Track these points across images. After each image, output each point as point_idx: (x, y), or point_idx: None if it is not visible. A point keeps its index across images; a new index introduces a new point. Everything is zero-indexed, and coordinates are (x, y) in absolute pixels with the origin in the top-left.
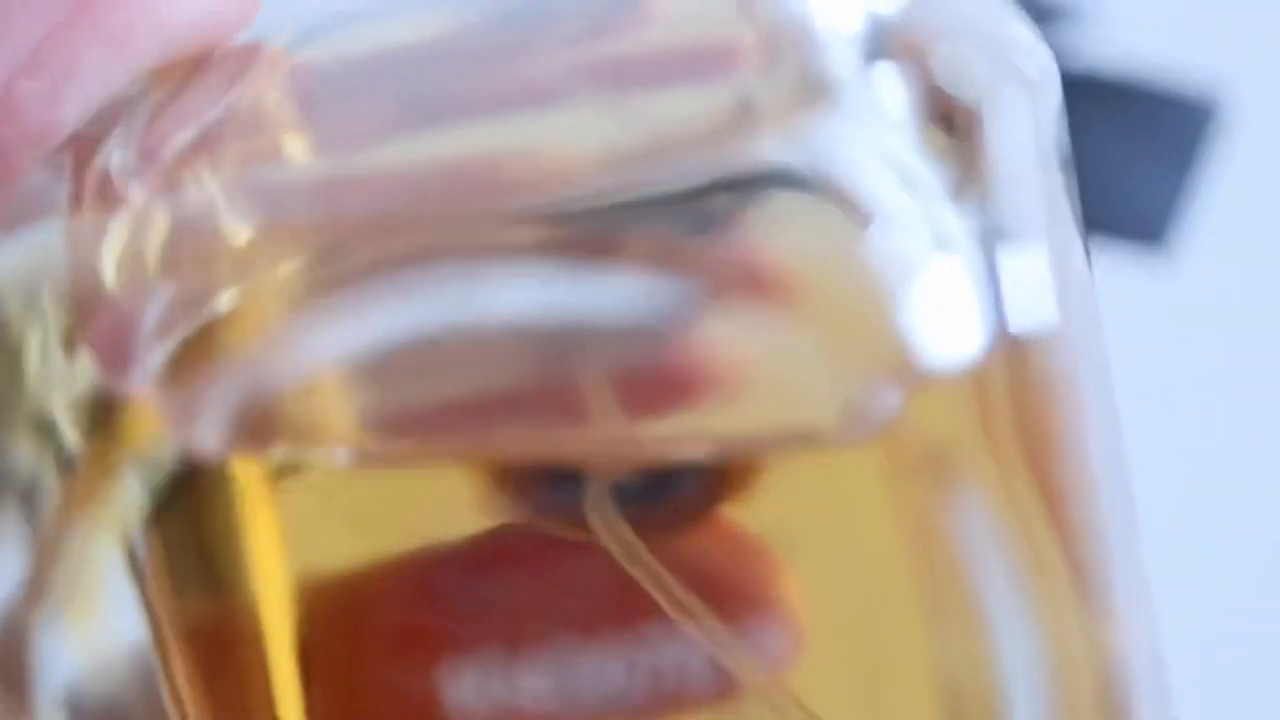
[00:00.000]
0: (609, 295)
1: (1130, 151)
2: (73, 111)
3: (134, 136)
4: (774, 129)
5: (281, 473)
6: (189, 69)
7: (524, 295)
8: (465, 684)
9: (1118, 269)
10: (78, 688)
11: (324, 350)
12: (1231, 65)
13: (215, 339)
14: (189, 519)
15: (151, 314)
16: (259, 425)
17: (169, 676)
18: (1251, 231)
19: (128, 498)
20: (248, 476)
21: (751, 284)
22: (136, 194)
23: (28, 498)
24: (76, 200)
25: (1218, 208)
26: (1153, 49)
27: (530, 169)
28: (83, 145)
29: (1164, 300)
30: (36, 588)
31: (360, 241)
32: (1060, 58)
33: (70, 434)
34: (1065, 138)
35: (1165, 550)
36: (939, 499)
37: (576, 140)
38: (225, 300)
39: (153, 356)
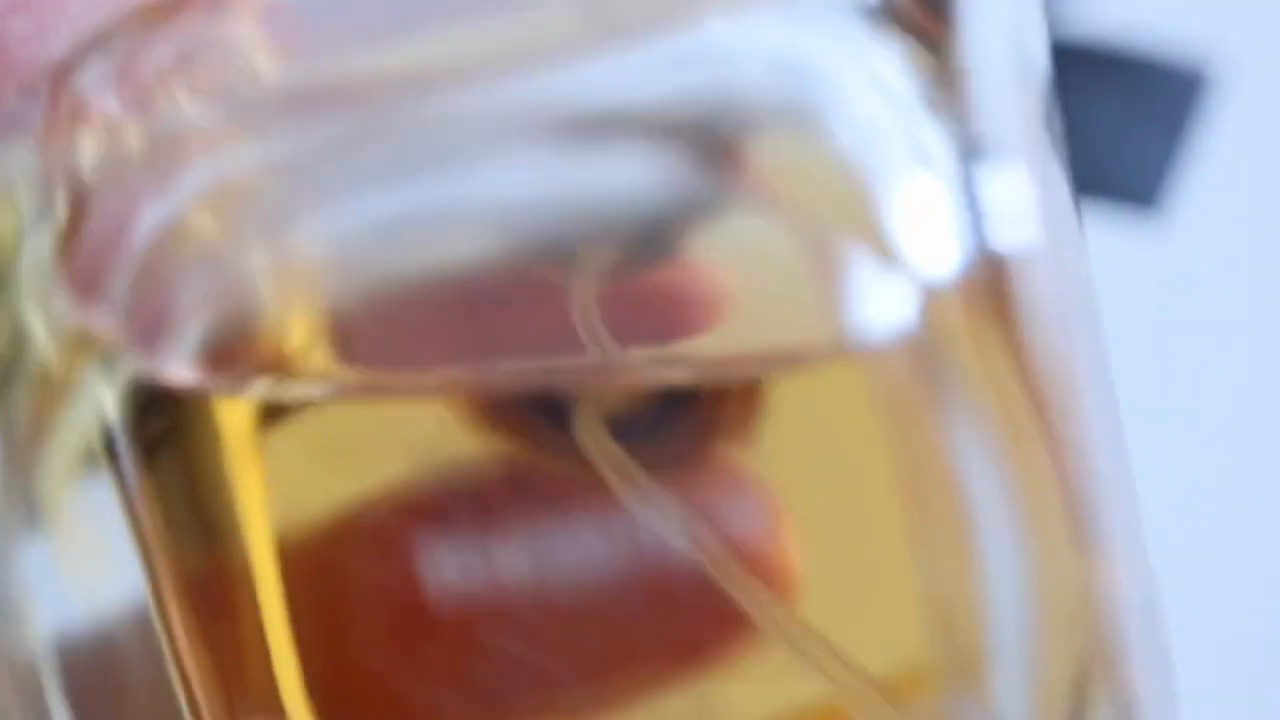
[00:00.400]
0: (605, 184)
1: (1123, 116)
2: (60, 50)
3: (111, 63)
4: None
5: (263, 409)
6: (173, 4)
7: (511, 186)
8: (446, 574)
9: (1112, 237)
10: (65, 627)
11: (297, 244)
12: (1226, 32)
13: (182, 243)
14: (176, 460)
15: (131, 230)
16: (233, 350)
17: (163, 618)
18: (1247, 196)
19: (98, 422)
20: (229, 412)
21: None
22: (110, 110)
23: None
24: (51, 122)
25: (1213, 173)
26: (1146, 17)
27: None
28: (60, 73)
29: (1158, 268)
30: (10, 506)
31: (334, 139)
32: (1054, 26)
33: (46, 351)
34: (1049, 70)
35: (1167, 527)
36: (930, 415)
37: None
38: (193, 203)
39: (128, 278)
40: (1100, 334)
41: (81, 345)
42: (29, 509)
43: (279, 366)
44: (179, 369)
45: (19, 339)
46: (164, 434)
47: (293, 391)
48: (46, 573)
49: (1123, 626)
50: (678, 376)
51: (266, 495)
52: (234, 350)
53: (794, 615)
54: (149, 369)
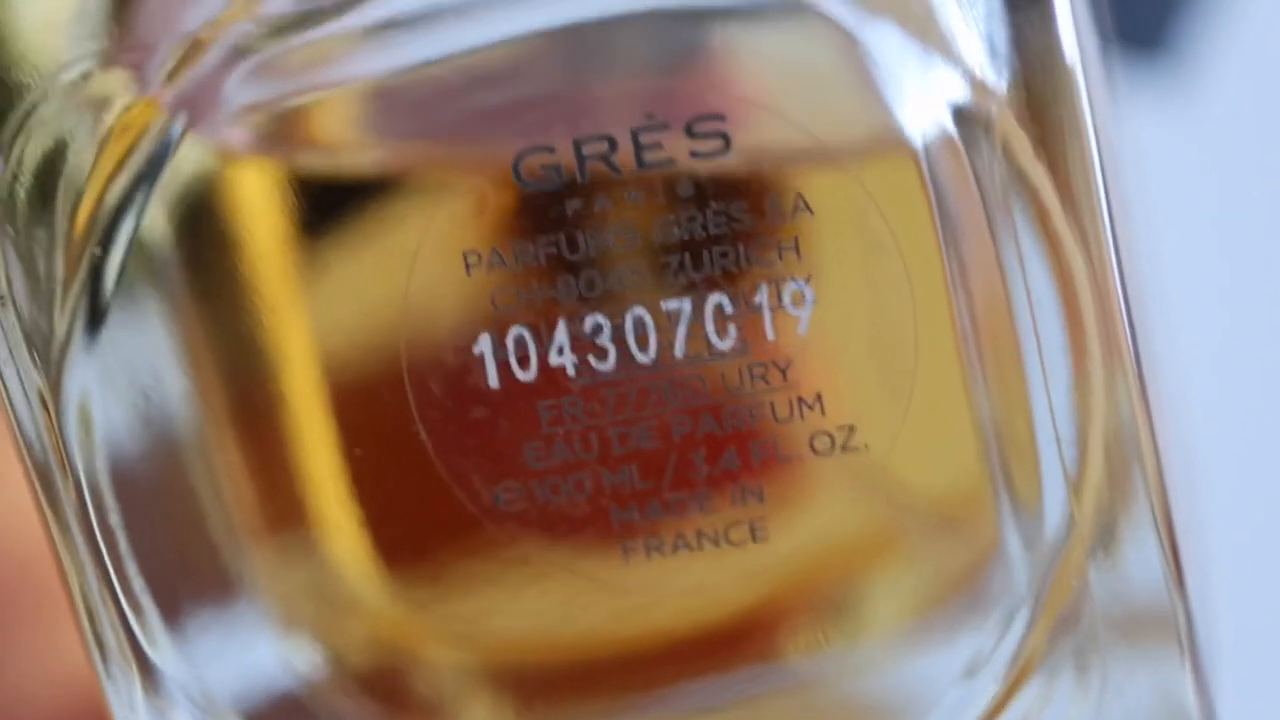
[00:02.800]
0: None
1: None
2: None
3: None
4: None
5: (303, 219)
6: None
7: None
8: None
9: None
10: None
11: (332, 26)
12: None
13: (229, 29)
14: (223, 275)
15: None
16: (274, 125)
17: (210, 433)
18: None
19: (148, 193)
20: (273, 221)
21: None
22: None
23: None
24: None
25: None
26: None
27: None
28: None
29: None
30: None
31: None
32: None
33: (90, 140)
34: None
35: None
36: (977, 220)
37: None
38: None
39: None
40: (1133, 172)
41: (130, 127)
42: (83, 318)
43: (319, 143)
44: (232, 135)
45: (59, 139)
46: (208, 248)
47: (335, 162)
48: (101, 381)
49: (1158, 451)
50: (713, 169)
51: (309, 307)
52: (278, 126)
53: (835, 426)
54: (203, 137)
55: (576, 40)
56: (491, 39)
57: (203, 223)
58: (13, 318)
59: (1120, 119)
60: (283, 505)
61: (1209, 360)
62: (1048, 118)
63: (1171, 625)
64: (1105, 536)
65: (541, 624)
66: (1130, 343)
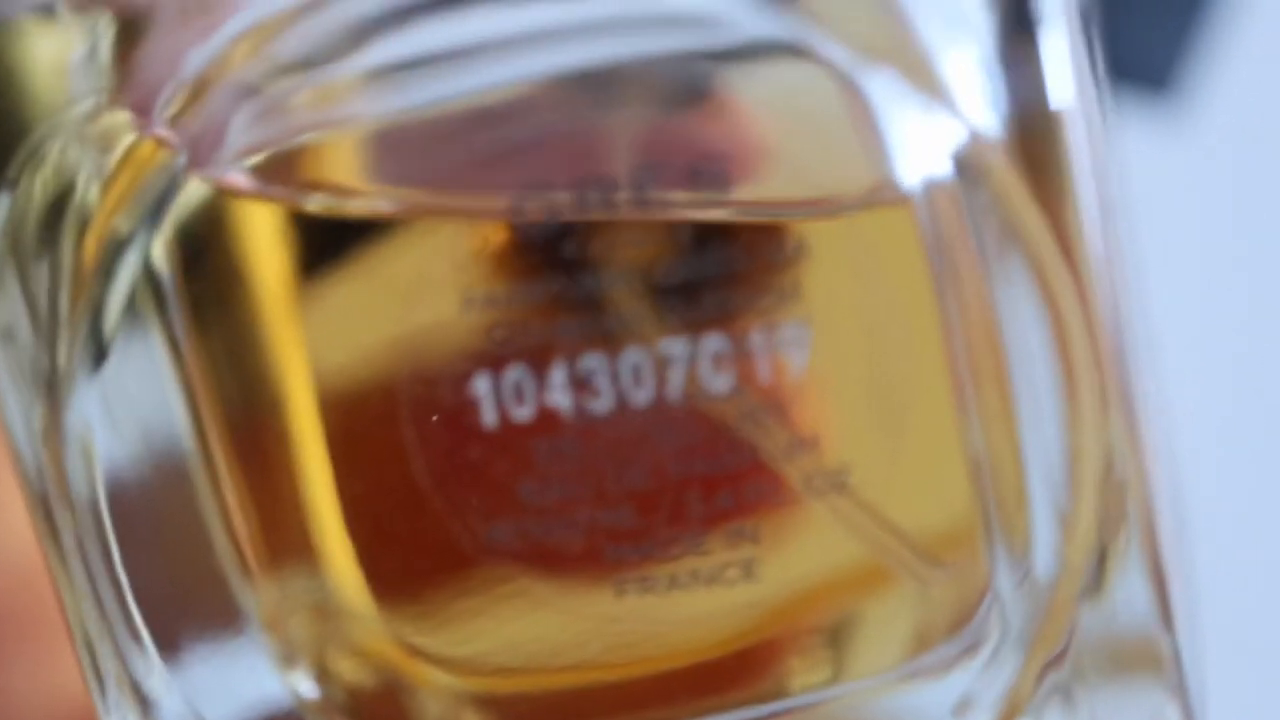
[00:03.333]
0: (651, 14)
1: None
2: None
3: None
4: None
5: (302, 258)
6: None
7: (554, 18)
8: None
9: (1135, 135)
10: (119, 468)
11: (339, 72)
12: None
13: (230, 71)
14: (222, 309)
15: (183, 57)
16: (277, 165)
17: (208, 463)
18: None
19: (148, 270)
20: (271, 259)
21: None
22: None
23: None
24: None
25: (1234, 61)
26: None
27: None
28: None
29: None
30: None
31: None
32: None
33: (96, 179)
34: None
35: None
36: (971, 265)
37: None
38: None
39: (180, 100)
40: (1127, 211)
41: (135, 164)
42: (87, 351)
43: (322, 184)
44: (234, 176)
45: (66, 176)
46: (210, 283)
47: (337, 205)
48: (103, 414)
49: (1148, 490)
50: (714, 215)
51: (309, 343)
52: (280, 167)
53: (829, 468)
54: (206, 176)
55: (577, 83)
56: (493, 81)
57: (205, 258)
58: (15, 350)
59: (1118, 159)
60: (281, 537)
61: (1206, 392)
62: (1041, 163)
63: (1157, 660)
64: (1095, 577)
65: (534, 655)
66: (1123, 386)
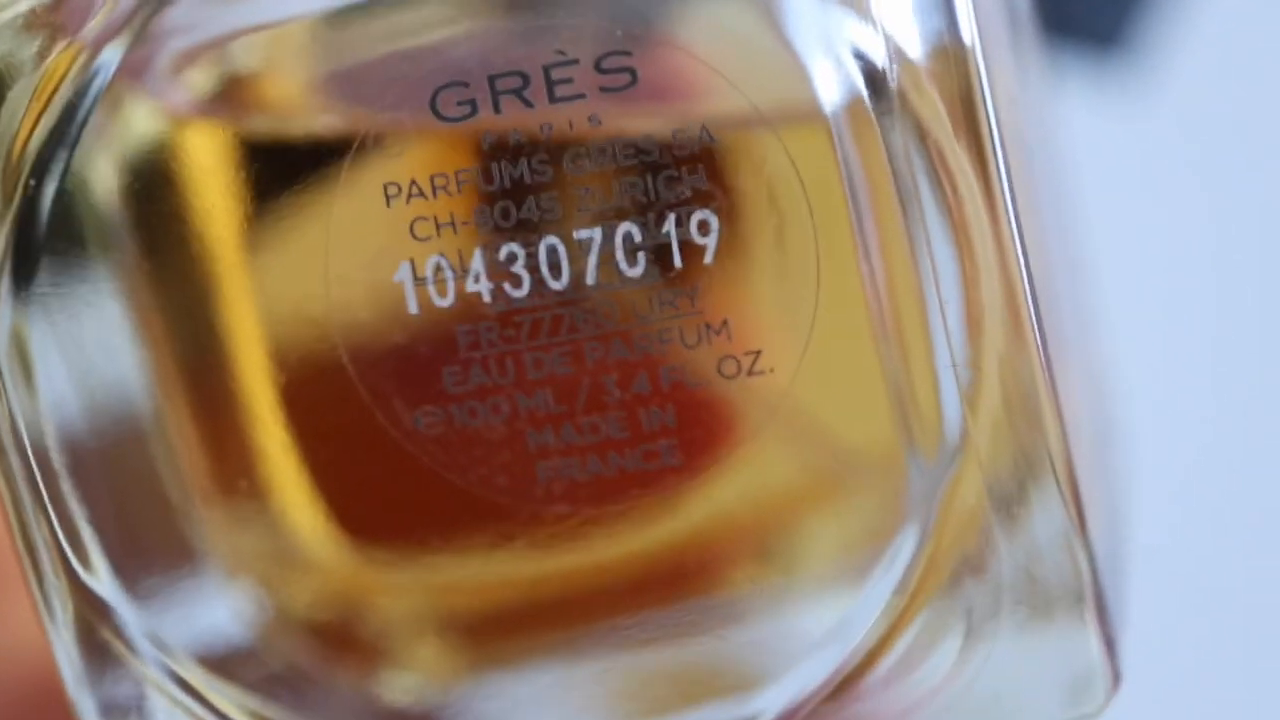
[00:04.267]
0: None
1: None
2: None
3: None
4: None
5: (253, 196)
6: None
7: None
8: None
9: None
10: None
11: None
12: None
13: None
14: (173, 246)
15: None
16: (230, 90)
17: (162, 401)
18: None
19: (97, 200)
20: (222, 193)
21: None
22: None
23: None
24: None
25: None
26: None
27: None
28: None
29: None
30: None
31: None
32: None
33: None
34: None
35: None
36: (888, 187)
37: None
38: None
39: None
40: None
41: (61, 68)
42: (16, 274)
43: (265, 107)
44: (178, 94)
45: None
46: (158, 218)
47: (283, 127)
48: (53, 355)
49: (1059, 414)
50: (623, 100)
51: (254, 277)
52: (231, 90)
53: (739, 353)
54: (154, 99)
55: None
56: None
57: (151, 187)
58: None
59: (1044, 108)
60: (230, 465)
61: (1161, 358)
62: (954, 93)
63: (1074, 599)
64: (1006, 481)
65: (479, 563)
66: (1026, 285)
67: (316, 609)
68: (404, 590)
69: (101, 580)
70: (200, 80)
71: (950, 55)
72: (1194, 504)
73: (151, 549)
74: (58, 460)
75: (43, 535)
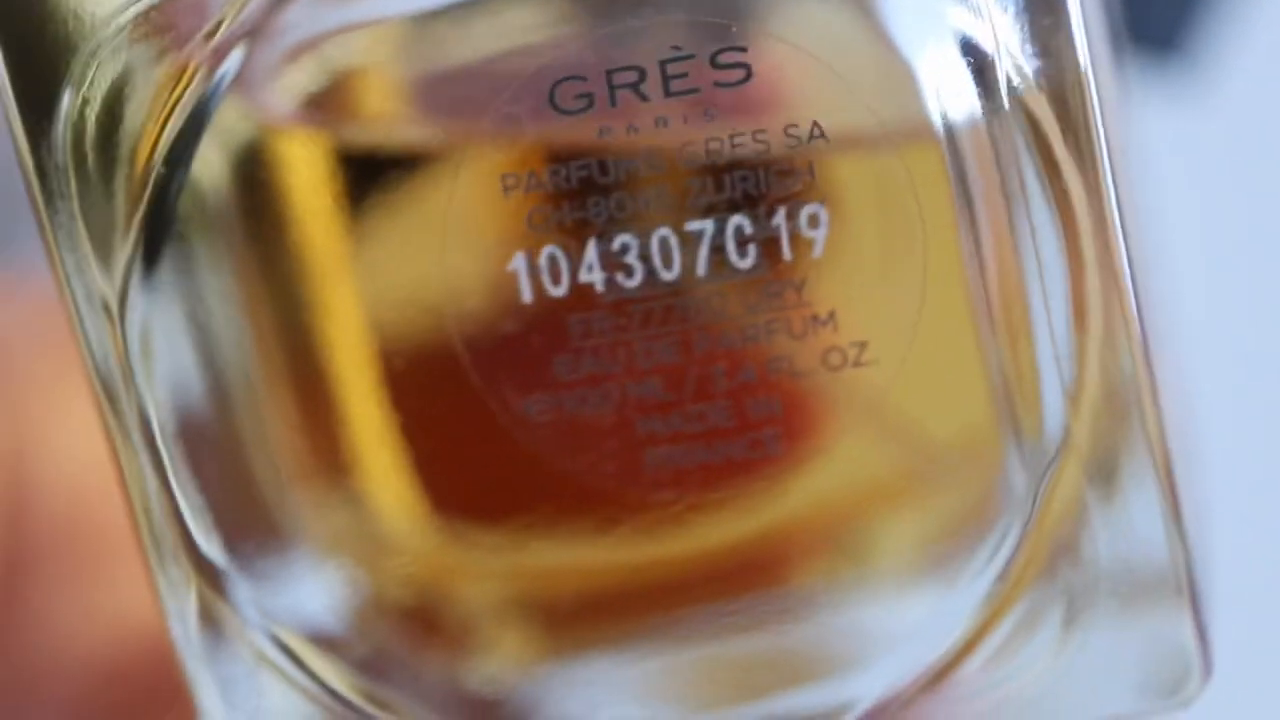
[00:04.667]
0: None
1: None
2: None
3: None
4: None
5: (350, 188)
6: None
7: None
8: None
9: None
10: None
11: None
12: None
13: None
14: (276, 233)
15: None
16: (321, 98)
17: (263, 384)
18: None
19: (194, 164)
20: (313, 166)
21: None
22: None
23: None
24: None
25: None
26: None
27: None
28: None
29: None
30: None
31: None
32: None
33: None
34: None
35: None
36: (998, 202)
37: None
38: None
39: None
40: (1141, 182)
41: (176, 82)
42: (141, 267)
43: (365, 115)
44: (281, 104)
45: (114, 91)
46: (260, 211)
47: (378, 136)
48: (173, 340)
49: (1157, 404)
50: (745, 151)
51: (357, 272)
52: (324, 97)
53: (845, 344)
54: (251, 105)
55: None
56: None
57: (254, 180)
58: (81, 265)
59: (1130, 112)
60: (326, 446)
61: (1223, 358)
62: (1068, 114)
63: (1168, 595)
64: (1105, 470)
65: (580, 549)
66: (1129, 281)
67: (408, 593)
68: (500, 576)
69: (218, 555)
70: (300, 83)
71: (1058, 53)
72: (1267, 506)
73: (256, 528)
74: (177, 440)
75: (164, 510)
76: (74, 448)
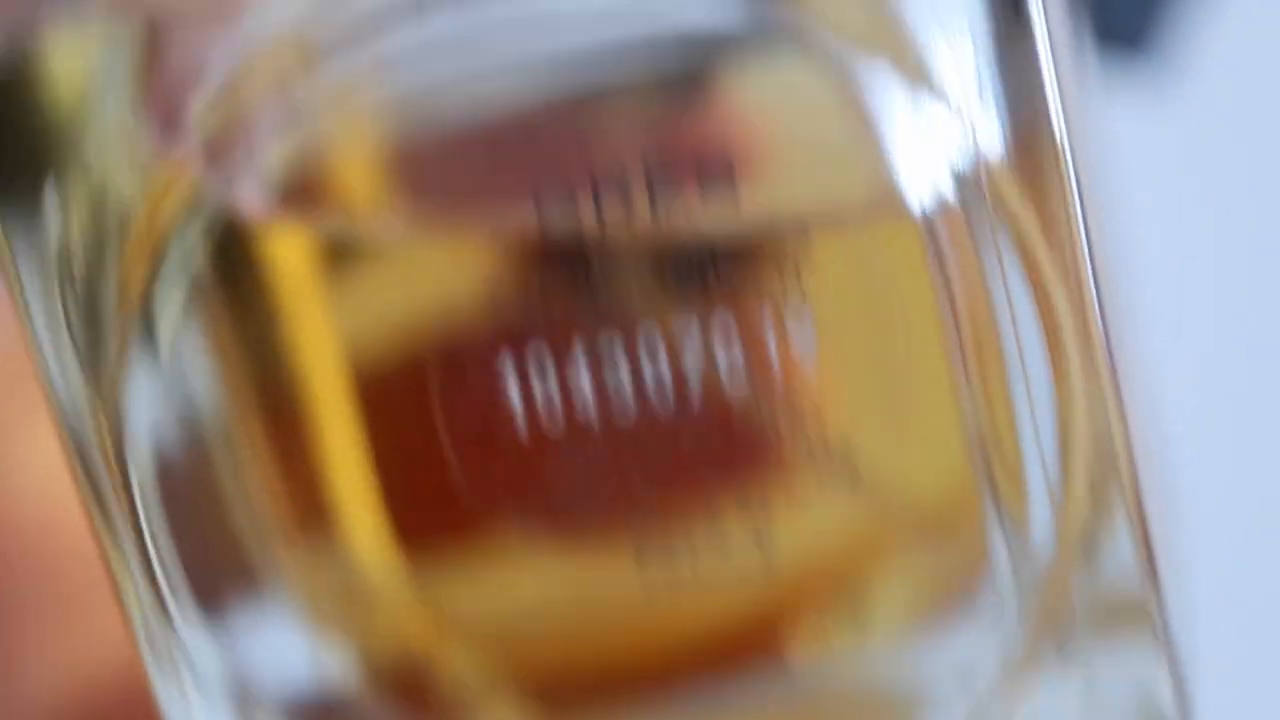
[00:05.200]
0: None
1: None
2: None
3: None
4: None
5: (327, 250)
6: None
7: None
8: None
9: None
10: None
11: (356, 84)
12: None
13: (255, 81)
14: (253, 297)
15: (207, 67)
16: (299, 188)
17: (243, 440)
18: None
19: (182, 255)
20: (293, 249)
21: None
22: None
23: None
24: None
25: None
26: None
27: None
28: None
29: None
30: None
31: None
32: None
33: (130, 194)
34: None
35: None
36: (973, 266)
37: None
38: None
39: (203, 112)
40: (1111, 192)
41: (162, 184)
42: (140, 347)
43: (343, 203)
44: (253, 199)
45: (103, 193)
46: (241, 270)
47: (353, 227)
48: (148, 395)
49: (1135, 456)
50: (715, 230)
51: (334, 327)
52: (302, 186)
53: (832, 439)
54: (225, 200)
55: (578, 79)
56: (493, 65)
57: (232, 249)
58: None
59: (1100, 127)
60: (309, 506)
61: (1195, 361)
62: (1029, 152)
63: (1144, 615)
64: (1087, 546)
65: (559, 623)
66: (1108, 361)
67: (391, 656)
68: (480, 642)
69: (186, 623)
70: (274, 171)
71: (1036, 147)
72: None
73: (228, 584)
74: (152, 493)
75: (139, 565)
76: (44, 482)
